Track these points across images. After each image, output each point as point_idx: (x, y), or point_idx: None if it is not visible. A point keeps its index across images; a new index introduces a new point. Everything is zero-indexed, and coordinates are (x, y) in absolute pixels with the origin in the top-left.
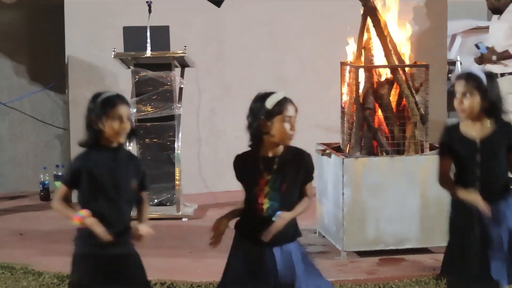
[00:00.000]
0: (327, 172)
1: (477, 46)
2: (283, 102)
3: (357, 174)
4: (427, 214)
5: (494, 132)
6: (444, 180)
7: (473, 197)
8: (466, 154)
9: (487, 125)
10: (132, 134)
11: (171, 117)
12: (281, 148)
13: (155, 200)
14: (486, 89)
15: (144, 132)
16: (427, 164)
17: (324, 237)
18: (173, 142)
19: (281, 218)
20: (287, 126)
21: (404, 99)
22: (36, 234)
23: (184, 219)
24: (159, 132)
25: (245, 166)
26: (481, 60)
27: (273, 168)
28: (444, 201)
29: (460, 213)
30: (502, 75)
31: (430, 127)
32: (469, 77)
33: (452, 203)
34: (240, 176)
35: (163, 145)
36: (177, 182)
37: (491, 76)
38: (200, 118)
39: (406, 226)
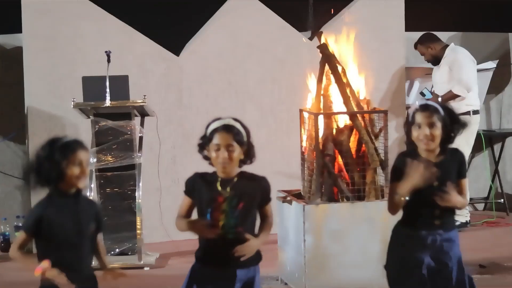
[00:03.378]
0: (288, 219)
1: (422, 93)
2: (216, 130)
3: (318, 221)
4: None
5: (446, 158)
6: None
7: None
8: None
9: (440, 152)
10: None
11: (132, 166)
12: (235, 172)
13: (117, 250)
14: (445, 120)
15: (105, 181)
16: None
17: (286, 284)
18: (134, 191)
19: (248, 246)
20: (218, 154)
21: (363, 145)
22: None
23: (146, 268)
24: (119, 182)
25: (202, 183)
26: None
27: (229, 189)
28: None
29: (410, 238)
30: None
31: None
32: (433, 109)
33: (399, 230)
34: (195, 192)
35: (124, 194)
36: (138, 231)
37: (446, 107)
38: (160, 167)
39: (369, 272)
